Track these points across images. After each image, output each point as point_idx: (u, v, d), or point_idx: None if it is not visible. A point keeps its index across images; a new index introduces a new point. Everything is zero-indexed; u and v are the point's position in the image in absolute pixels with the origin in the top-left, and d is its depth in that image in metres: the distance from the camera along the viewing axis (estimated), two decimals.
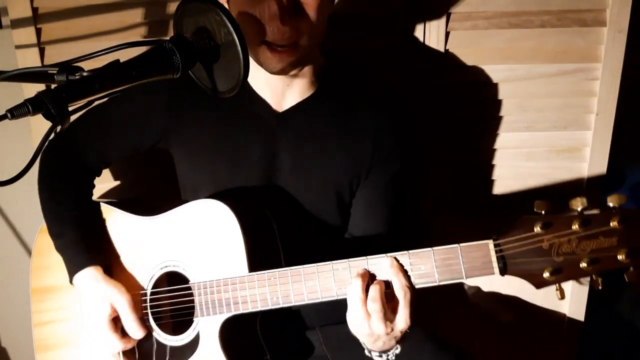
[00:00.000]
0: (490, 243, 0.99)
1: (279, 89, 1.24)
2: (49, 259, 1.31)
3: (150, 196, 1.56)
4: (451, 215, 1.64)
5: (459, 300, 1.73)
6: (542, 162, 1.61)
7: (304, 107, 1.26)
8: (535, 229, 0.95)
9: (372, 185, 1.29)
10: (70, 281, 1.26)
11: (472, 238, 1.63)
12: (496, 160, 1.62)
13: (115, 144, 1.35)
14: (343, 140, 1.26)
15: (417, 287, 1.04)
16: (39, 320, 1.37)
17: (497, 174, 1.63)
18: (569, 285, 1.69)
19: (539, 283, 0.97)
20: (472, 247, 1.00)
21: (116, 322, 1.23)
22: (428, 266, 1.03)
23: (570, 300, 1.71)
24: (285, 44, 1.11)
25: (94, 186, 1.40)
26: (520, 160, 1.62)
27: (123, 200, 1.47)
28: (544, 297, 1.73)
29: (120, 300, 1.21)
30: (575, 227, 0.93)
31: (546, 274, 0.96)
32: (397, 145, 1.27)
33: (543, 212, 0.95)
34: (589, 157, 1.59)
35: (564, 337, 1.76)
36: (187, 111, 1.28)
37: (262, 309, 1.13)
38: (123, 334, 1.23)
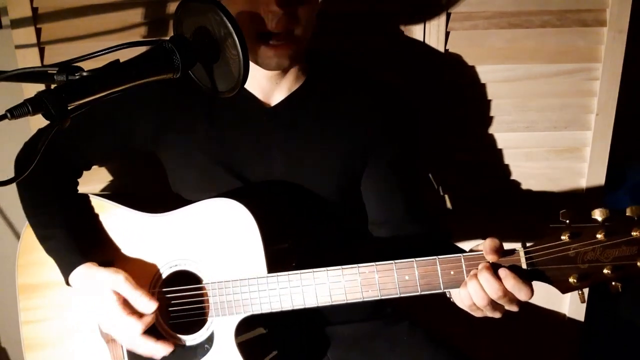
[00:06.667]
0: (521, 251, 1.03)
1: (268, 85, 1.24)
2: (37, 255, 1.28)
3: (147, 195, 1.54)
4: (450, 215, 1.64)
5: None
6: (542, 162, 1.61)
7: (294, 100, 1.26)
8: (562, 238, 1.00)
9: (375, 172, 1.29)
10: (67, 283, 1.23)
11: (471, 238, 1.63)
12: (496, 160, 1.62)
13: (99, 147, 1.34)
14: (334, 128, 1.26)
15: (445, 290, 1.08)
16: (27, 318, 1.33)
17: (497, 174, 1.63)
18: None
19: (565, 288, 1.03)
20: (502, 257, 1.04)
21: (128, 305, 1.19)
22: (458, 270, 1.06)
23: (570, 300, 1.71)
24: (281, 31, 1.11)
25: (77, 184, 1.37)
26: (520, 160, 1.62)
27: (120, 194, 1.44)
28: (544, 297, 1.73)
29: (117, 280, 1.17)
30: (600, 236, 0.98)
31: (572, 280, 1.01)
32: (390, 127, 1.27)
33: (568, 221, 0.99)
34: (589, 157, 1.59)
35: (564, 337, 1.76)
36: (177, 113, 1.27)
37: (284, 309, 1.13)
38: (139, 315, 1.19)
